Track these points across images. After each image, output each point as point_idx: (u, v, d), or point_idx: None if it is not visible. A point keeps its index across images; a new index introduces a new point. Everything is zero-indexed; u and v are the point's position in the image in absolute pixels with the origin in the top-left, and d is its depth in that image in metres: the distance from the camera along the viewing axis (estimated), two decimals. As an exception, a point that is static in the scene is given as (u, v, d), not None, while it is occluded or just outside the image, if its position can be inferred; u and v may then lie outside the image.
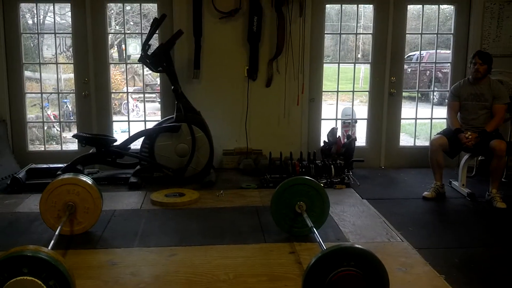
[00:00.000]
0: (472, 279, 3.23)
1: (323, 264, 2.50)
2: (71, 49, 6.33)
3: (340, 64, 6.43)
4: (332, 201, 4.08)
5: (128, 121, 6.55)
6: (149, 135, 5.43)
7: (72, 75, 6.21)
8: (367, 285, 2.48)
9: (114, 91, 8.36)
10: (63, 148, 6.53)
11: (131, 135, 5.58)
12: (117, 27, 10.42)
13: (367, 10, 6.81)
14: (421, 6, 6.26)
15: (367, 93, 6.33)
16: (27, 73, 6.82)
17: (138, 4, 6.23)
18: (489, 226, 4.30)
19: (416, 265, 3.41)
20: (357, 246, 2.65)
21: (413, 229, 4.13)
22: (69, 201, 3.77)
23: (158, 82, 6.62)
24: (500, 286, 3.19)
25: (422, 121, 6.88)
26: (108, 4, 5.96)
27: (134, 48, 8.85)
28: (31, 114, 7.56)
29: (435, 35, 6.40)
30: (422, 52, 6.94)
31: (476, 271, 3.37)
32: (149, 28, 5.38)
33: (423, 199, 4.97)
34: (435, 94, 7.57)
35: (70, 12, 5.90)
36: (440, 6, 6.28)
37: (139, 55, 5.34)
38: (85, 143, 5.34)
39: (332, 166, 5.39)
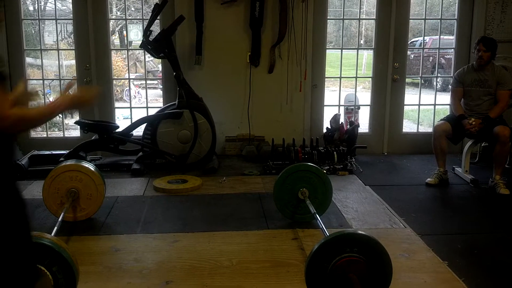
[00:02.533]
0: (475, 265, 3.24)
1: (326, 250, 2.50)
2: (72, 36, 6.30)
3: (343, 50, 6.39)
4: (334, 187, 4.09)
5: (130, 107, 6.53)
6: (151, 122, 5.42)
7: (73, 62, 6.19)
8: (371, 271, 2.48)
9: (115, 77, 8.33)
10: (66, 135, 6.53)
11: (133, 121, 5.58)
12: (118, 13, 10.38)
13: (370, -5, 6.76)
14: (424, -9, 6.21)
15: (370, 79, 6.30)
16: (28, 60, 6.79)
17: (140, -10, 6.19)
18: (492, 213, 4.30)
19: (419, 251, 3.42)
20: (360, 232, 2.65)
21: (416, 215, 4.12)
22: (71, 187, 3.77)
23: (160, 69, 6.59)
24: (503, 272, 3.19)
25: (426, 107, 6.86)
26: (109, -10, 5.93)
27: (135, 34, 8.80)
28: (33, 100, 7.54)
29: (439, 20, 6.35)
30: (425, 37, 6.89)
31: (479, 257, 3.37)
32: (150, 14, 5.34)
33: (426, 185, 4.96)
34: (438, 80, 7.52)
35: (71, -2, 5.87)
36: (444, -9, 6.23)
37: (140, 41, 5.32)
38: (88, 129, 5.33)
39: (334, 152, 5.38)
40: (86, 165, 3.92)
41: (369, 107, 6.31)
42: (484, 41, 4.95)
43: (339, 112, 6.20)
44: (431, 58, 8.84)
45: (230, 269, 3.14)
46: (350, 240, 2.52)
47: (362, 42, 9.28)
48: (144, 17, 6.03)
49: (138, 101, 10.00)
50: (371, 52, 6.33)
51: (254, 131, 6.01)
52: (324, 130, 6.03)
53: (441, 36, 6.53)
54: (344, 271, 2.46)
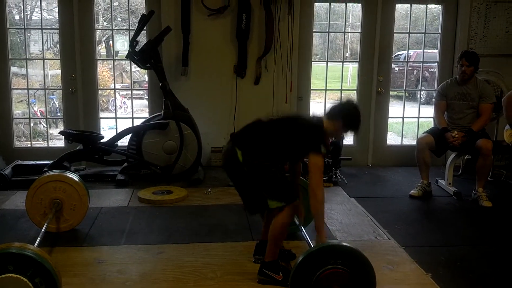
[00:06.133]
0: (458, 277, 3.26)
1: (310, 262, 2.51)
2: (58, 45, 6.27)
3: (328, 62, 6.43)
4: (319, 199, 4.08)
5: (116, 118, 6.51)
6: (137, 132, 5.41)
7: (59, 71, 6.15)
8: (354, 283, 2.49)
9: (101, 87, 8.30)
10: (50, 145, 6.47)
11: (118, 132, 5.56)
12: (105, 23, 10.35)
13: (356, 9, 6.83)
14: (409, 5, 6.27)
15: (355, 92, 6.35)
16: (13, 69, 6.75)
17: (126, 0, 6.18)
18: (475, 225, 4.34)
19: (403, 263, 3.43)
20: (344, 244, 2.67)
21: (400, 227, 4.15)
22: (55, 198, 3.74)
23: (146, 79, 6.58)
24: (486, 283, 3.22)
25: (409, 120, 6.91)
26: (95, 0, 5.92)
27: (121, 45, 8.78)
28: (18, 110, 7.49)
29: (423, 34, 6.44)
30: (409, 51, 6.98)
31: (462, 269, 3.40)
32: (137, 24, 5.35)
33: (410, 197, 4.99)
34: (422, 93, 7.62)
35: (57, 8, 5.85)
36: (428, 5, 6.31)
37: (126, 52, 5.31)
38: (72, 139, 5.30)
39: (320, 164, 5.38)
40: (70, 176, 3.90)
41: (354, 119, 6.33)
42: (466, 56, 5.01)
43: (324, 124, 6.21)
44: (415, 71, 8.95)
45: (215, 281, 3.12)
46: (334, 252, 2.53)
47: (347, 55, 9.35)
48: (130, 28, 6.03)
49: (123, 111, 9.95)
50: (356, 65, 6.39)
51: (239, 142, 6.00)
52: (310, 142, 6.04)
53: (425, 50, 6.62)
54: (328, 283, 2.47)
